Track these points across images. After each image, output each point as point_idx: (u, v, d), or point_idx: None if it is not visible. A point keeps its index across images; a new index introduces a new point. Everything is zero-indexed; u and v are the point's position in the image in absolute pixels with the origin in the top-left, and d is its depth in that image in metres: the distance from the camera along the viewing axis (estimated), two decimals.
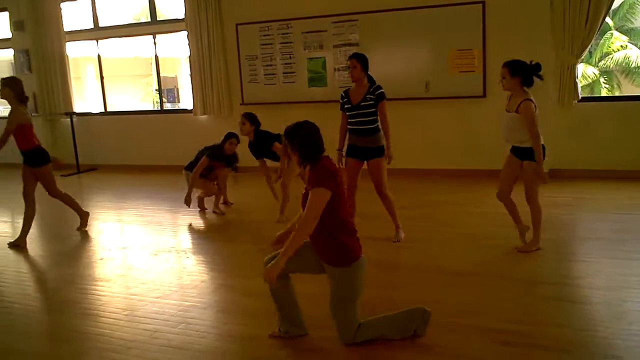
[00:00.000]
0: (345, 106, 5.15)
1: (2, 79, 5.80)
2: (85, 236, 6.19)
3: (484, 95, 7.64)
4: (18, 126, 5.69)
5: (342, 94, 5.22)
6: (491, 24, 7.46)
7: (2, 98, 5.72)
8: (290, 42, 8.48)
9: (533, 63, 4.50)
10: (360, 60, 5.09)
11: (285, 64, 8.57)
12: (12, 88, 5.64)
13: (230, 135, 6.59)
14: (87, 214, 6.36)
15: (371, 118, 5.08)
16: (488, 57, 7.53)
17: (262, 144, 6.25)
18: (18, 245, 5.72)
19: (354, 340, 3.24)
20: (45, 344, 3.60)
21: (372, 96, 5.05)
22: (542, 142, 4.48)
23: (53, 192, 6.00)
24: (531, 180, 4.61)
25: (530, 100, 4.46)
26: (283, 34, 8.51)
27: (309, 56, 8.44)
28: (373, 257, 4.75)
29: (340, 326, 3.26)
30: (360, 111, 5.06)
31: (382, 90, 5.11)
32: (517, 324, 3.44)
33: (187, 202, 6.45)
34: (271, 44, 8.63)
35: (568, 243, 5.13)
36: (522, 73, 4.47)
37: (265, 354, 3.29)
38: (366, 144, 5.09)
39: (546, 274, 4.32)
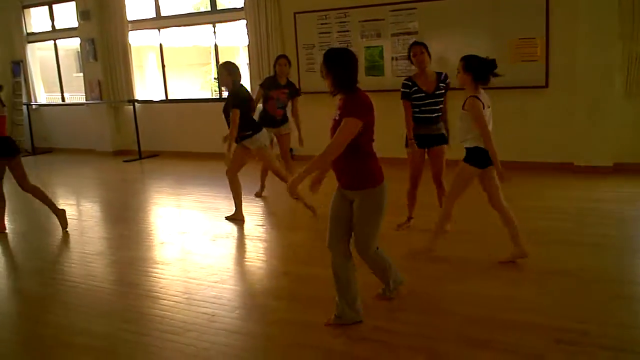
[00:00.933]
0: (417, 95, 5.02)
1: None
2: (146, 220, 6.39)
3: (546, 86, 7.41)
4: None
5: (407, 83, 5.09)
6: (555, 12, 7.21)
7: None
8: (348, 31, 8.45)
9: (489, 59, 4.30)
10: (427, 48, 5.05)
11: None
12: None
13: (277, 57, 6.61)
14: (63, 211, 5.99)
15: (440, 106, 5.09)
16: (551, 46, 7.30)
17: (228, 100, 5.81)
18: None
19: (369, 256, 3.45)
20: (107, 324, 3.74)
21: (443, 84, 5.05)
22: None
23: (25, 185, 5.81)
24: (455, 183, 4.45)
25: (476, 97, 4.26)
26: (340, 22, 8.48)
27: (366, 45, 8.39)
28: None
29: (361, 245, 3.40)
30: (435, 99, 5.02)
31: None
32: (580, 323, 3.35)
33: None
34: (329, 32, 8.62)
35: (633, 240, 4.94)
36: (474, 69, 4.25)
37: (319, 341, 3.32)
38: (432, 131, 5.05)
39: (611, 271, 4.17)
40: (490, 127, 4.25)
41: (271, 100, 6.47)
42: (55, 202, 5.92)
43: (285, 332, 3.49)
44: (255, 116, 6.21)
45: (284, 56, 6.59)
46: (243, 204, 5.99)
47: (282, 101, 6.52)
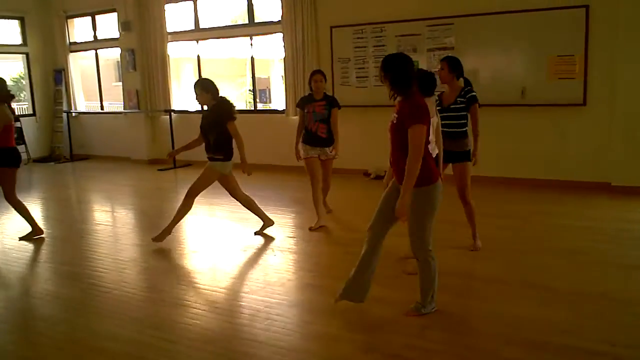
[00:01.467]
0: (437, 108, 5.05)
1: None
2: (178, 229, 6.45)
3: (584, 104, 7.29)
4: (4, 127, 5.60)
5: (436, 97, 5.11)
6: (595, 28, 7.10)
7: None
8: (384, 45, 8.45)
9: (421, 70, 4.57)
10: (448, 62, 4.96)
11: (378, 67, 8.53)
12: None
13: (312, 73, 6.16)
14: (41, 231, 6.04)
15: (461, 122, 4.98)
16: (590, 63, 7.19)
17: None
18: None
19: (423, 256, 3.62)
20: (138, 330, 3.77)
21: (462, 99, 4.93)
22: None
23: (9, 196, 5.81)
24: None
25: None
26: (377, 37, 8.50)
27: None
28: (457, 265, 4.68)
29: (416, 242, 3.61)
30: (450, 113, 4.96)
31: (474, 93, 4.97)
32: (615, 346, 3.26)
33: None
34: (364, 47, 8.64)
35: None
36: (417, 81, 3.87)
37: (348, 356, 3.29)
38: (453, 147, 4.97)
39: None
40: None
41: (308, 114, 6.05)
42: (91, 209, 6.02)
43: (314, 345, 3.47)
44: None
45: (319, 72, 6.17)
46: (272, 214, 6.00)
47: (319, 114, 6.03)
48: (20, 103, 14.86)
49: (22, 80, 13.86)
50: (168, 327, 3.78)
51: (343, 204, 7.09)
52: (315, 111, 6.03)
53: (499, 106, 7.67)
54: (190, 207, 5.69)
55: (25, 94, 13.00)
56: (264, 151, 9.58)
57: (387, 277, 4.23)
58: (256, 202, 5.99)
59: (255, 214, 5.98)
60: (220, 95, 5.69)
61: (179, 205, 5.65)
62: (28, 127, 12.04)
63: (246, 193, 5.93)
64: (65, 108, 12.43)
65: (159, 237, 5.62)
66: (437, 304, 3.80)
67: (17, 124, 11.76)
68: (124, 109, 11.70)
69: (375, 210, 3.73)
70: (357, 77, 8.80)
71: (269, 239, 5.79)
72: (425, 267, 3.68)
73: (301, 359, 3.33)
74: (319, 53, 9.09)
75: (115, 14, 11.24)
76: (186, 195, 5.67)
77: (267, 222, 6.00)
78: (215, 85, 5.65)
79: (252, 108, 11.04)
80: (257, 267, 4.99)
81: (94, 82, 12.65)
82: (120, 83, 12.25)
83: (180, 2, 10.73)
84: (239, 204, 5.93)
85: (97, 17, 11.96)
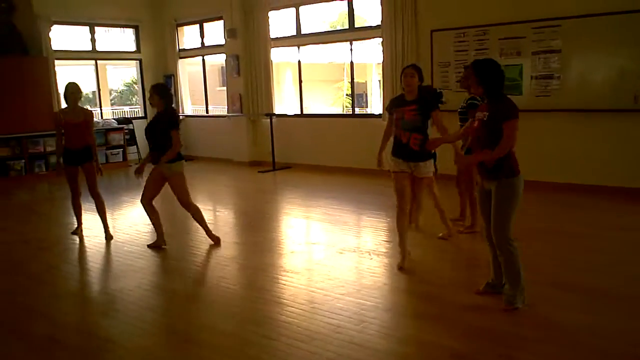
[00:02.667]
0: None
1: None
2: (277, 229, 6.63)
3: None
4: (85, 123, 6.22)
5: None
6: None
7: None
8: (486, 49, 8.25)
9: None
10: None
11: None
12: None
13: (404, 68, 5.04)
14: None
15: (461, 124, 5.54)
16: None
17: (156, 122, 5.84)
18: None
19: (503, 245, 3.80)
20: (236, 325, 3.92)
21: (464, 104, 5.65)
22: None
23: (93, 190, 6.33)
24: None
25: None
26: (479, 40, 8.31)
27: (504, 63, 8.09)
28: (561, 277, 4.49)
29: (500, 231, 3.80)
30: (460, 116, 5.55)
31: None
32: None
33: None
34: (465, 50, 8.48)
35: None
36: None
37: None
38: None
39: None
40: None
41: (397, 121, 4.89)
42: (194, 208, 6.25)
43: (410, 350, 3.46)
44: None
45: (411, 66, 5.06)
46: (368, 218, 6.01)
47: (409, 122, 4.79)
48: (133, 106, 15.78)
49: (135, 85, 14.75)
50: (267, 324, 3.89)
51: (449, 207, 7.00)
52: (405, 118, 4.80)
53: (610, 111, 7.27)
54: (199, 210, 5.94)
55: (137, 98, 13.80)
56: (361, 155, 9.62)
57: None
58: (159, 219, 5.98)
59: (154, 225, 5.97)
60: (171, 104, 5.92)
61: (277, 206, 5.76)
62: (139, 129, 12.78)
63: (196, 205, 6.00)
64: None
65: (214, 240, 5.90)
66: (540, 315, 3.69)
67: (130, 126, 12.63)
68: (227, 112, 12.15)
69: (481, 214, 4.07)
70: (456, 82, 8.64)
71: (363, 243, 5.81)
72: (508, 257, 3.83)
73: None
74: (418, 57, 9.00)
75: (221, 22, 11.71)
76: (188, 208, 5.91)
77: (159, 241, 5.96)
78: (170, 94, 5.91)
79: (350, 112, 11.12)
80: (353, 269, 5.03)
81: (200, 87, 13.24)
82: (224, 87, 12.73)
83: (283, 9, 11.01)
84: (334, 208, 5.97)
85: (204, 24, 12.52)
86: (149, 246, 5.88)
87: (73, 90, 6.18)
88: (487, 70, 3.82)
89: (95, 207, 6.36)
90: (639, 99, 7.13)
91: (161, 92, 5.78)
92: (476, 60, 3.95)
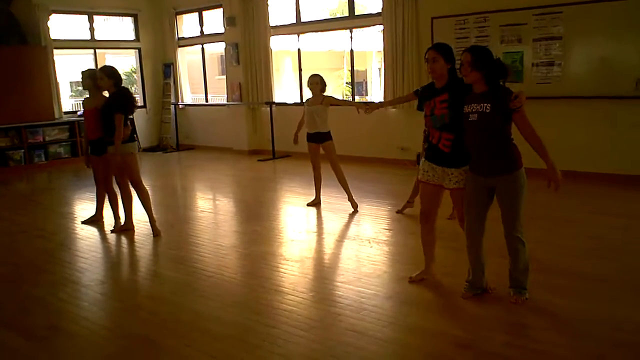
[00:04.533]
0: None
1: None
2: (277, 217, 6.62)
3: None
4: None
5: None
6: None
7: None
8: (487, 36, 8.20)
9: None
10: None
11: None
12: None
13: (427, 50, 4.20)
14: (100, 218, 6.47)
15: None
16: None
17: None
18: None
19: (519, 238, 3.72)
20: (238, 313, 3.91)
21: None
22: None
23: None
24: None
25: None
26: (480, 27, 8.26)
27: (505, 50, 8.09)
28: (561, 264, 4.48)
29: (513, 224, 3.71)
30: None
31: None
32: None
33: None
34: (466, 37, 8.42)
35: None
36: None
37: (445, 352, 3.25)
38: None
39: None
40: None
41: (426, 118, 4.02)
42: (195, 196, 6.27)
43: (410, 338, 3.46)
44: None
45: (434, 47, 4.07)
46: (369, 206, 5.98)
47: (439, 118, 3.89)
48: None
49: (134, 74, 14.69)
50: (268, 312, 3.89)
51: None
52: (435, 113, 3.92)
53: (611, 98, 7.24)
54: (147, 192, 5.91)
55: (136, 87, 13.75)
56: (361, 143, 9.61)
57: (491, 273, 4.12)
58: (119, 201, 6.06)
59: (126, 213, 6.07)
60: (122, 85, 5.86)
61: (277, 194, 5.75)
62: (139, 118, 12.70)
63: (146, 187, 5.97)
64: (173, 100, 13.05)
65: (155, 231, 5.84)
66: (542, 303, 3.70)
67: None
68: (227, 101, 12.11)
69: (469, 208, 3.86)
70: (458, 69, 8.57)
71: (363, 231, 5.80)
72: (522, 247, 3.76)
73: (397, 350, 3.34)
74: (419, 44, 8.95)
75: (220, 10, 11.63)
76: (136, 188, 5.84)
77: (129, 224, 6.07)
78: (119, 75, 5.85)
79: (350, 100, 11.07)
80: (353, 258, 5.02)
81: (199, 76, 13.18)
82: (224, 76, 12.68)
83: None
84: (334, 197, 5.95)
85: (204, 13, 12.44)
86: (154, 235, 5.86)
87: (84, 75, 6.15)
88: (488, 55, 3.65)
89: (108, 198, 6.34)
90: None
91: (109, 72, 5.75)
92: (473, 46, 3.77)
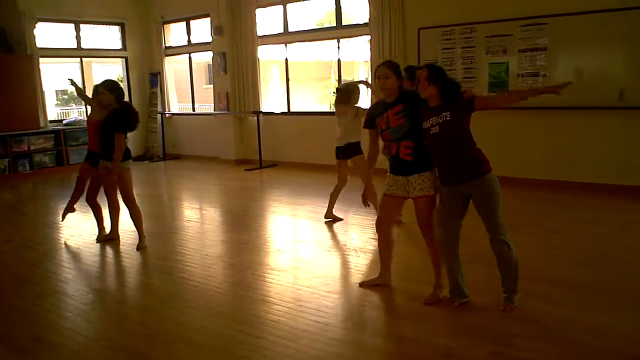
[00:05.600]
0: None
1: None
2: (263, 227, 6.61)
3: None
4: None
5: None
6: None
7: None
8: (473, 47, 8.28)
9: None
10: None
11: (466, 69, 8.39)
12: None
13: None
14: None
15: None
16: None
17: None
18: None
19: (504, 238, 3.75)
20: (224, 324, 3.89)
21: None
22: None
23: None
24: None
25: None
26: (465, 38, 8.33)
27: (491, 61, 8.17)
28: (548, 272, 4.51)
29: (498, 227, 3.75)
30: None
31: None
32: None
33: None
34: (452, 48, 8.50)
35: None
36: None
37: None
38: None
39: None
40: None
41: (382, 133, 4.15)
42: (181, 206, 6.24)
43: (396, 347, 3.46)
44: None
45: (383, 64, 4.13)
46: (355, 216, 5.98)
47: (395, 129, 4.01)
48: None
49: (120, 83, 14.61)
50: (253, 323, 3.87)
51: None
52: (391, 126, 4.03)
53: (596, 109, 7.33)
54: (139, 209, 5.81)
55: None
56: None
57: (476, 282, 4.14)
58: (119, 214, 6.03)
59: (112, 222, 6.04)
60: (124, 100, 5.75)
61: (264, 204, 5.74)
62: None
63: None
64: (159, 109, 13.01)
65: (140, 244, 5.77)
66: (527, 311, 3.72)
67: None
68: (214, 110, 12.10)
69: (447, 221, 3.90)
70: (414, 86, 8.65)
71: (350, 240, 5.81)
72: (509, 250, 3.78)
73: None
74: (405, 55, 9.02)
75: (208, 19, 11.65)
76: (127, 204, 5.73)
77: (114, 234, 6.06)
78: (120, 88, 5.71)
79: None
80: (340, 267, 5.02)
81: (186, 85, 13.16)
82: (211, 85, 12.68)
83: (270, 7, 10.97)
84: (321, 206, 5.95)
85: (191, 22, 12.44)
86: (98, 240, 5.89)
87: (95, 89, 6.02)
88: (443, 72, 3.82)
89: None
90: (625, 96, 7.19)
91: (110, 87, 5.61)
92: (428, 64, 3.94)
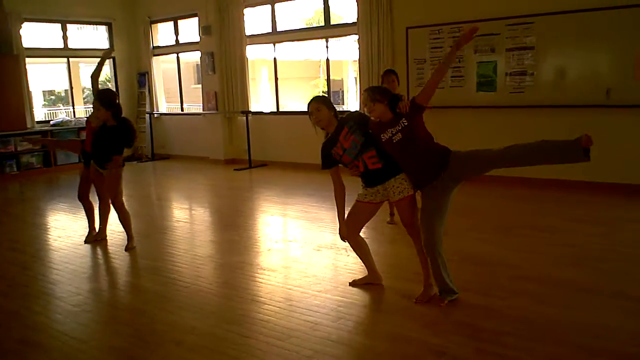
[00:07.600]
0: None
1: None
2: (253, 227, 6.60)
3: None
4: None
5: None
6: None
7: None
8: None
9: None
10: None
11: (454, 67, 8.42)
12: None
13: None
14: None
15: None
16: None
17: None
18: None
19: (434, 256, 3.87)
20: (214, 324, 3.88)
21: None
22: None
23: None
24: None
25: None
26: (454, 37, 8.36)
27: (479, 60, 8.22)
28: (539, 270, 4.54)
29: (427, 237, 3.88)
30: None
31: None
32: None
33: None
34: (441, 47, 8.52)
35: None
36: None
37: (419, 358, 3.26)
38: None
39: None
40: None
41: (342, 158, 4.17)
42: (170, 206, 6.21)
43: (386, 345, 3.46)
44: None
45: (313, 100, 4.26)
46: None
47: (351, 146, 4.10)
48: None
49: (108, 83, 14.56)
50: (243, 322, 3.87)
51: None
52: (345, 147, 4.09)
53: (583, 107, 7.39)
54: (128, 213, 5.74)
55: None
56: None
57: (466, 281, 4.16)
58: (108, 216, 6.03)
59: (101, 223, 6.05)
60: (122, 116, 5.46)
61: (253, 204, 5.73)
62: None
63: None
64: (147, 109, 12.96)
65: (129, 245, 5.72)
66: (518, 310, 3.75)
67: None
68: (203, 110, 12.07)
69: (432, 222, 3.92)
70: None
71: (340, 240, 5.80)
72: (438, 259, 3.93)
73: (373, 358, 3.34)
74: (394, 54, 9.05)
75: (196, 19, 11.61)
76: (117, 208, 5.64)
77: (102, 234, 6.06)
78: (117, 103, 5.35)
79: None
80: (330, 266, 5.03)
81: (174, 85, 13.12)
82: (199, 85, 12.64)
83: (258, 6, 10.96)
84: (311, 206, 5.95)
85: (179, 22, 12.40)
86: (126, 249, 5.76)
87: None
88: (381, 89, 4.03)
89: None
90: (611, 94, 7.26)
91: (106, 102, 5.24)
92: (366, 88, 4.09)
